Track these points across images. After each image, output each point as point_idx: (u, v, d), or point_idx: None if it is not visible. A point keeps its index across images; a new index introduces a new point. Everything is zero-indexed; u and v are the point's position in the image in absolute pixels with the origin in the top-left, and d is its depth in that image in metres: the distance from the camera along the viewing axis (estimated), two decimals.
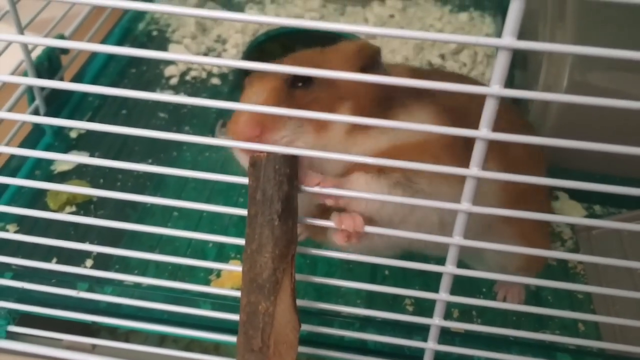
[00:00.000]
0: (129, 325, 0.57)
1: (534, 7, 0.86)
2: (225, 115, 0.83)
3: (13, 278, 0.57)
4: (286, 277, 0.44)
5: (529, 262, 0.56)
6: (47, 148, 0.78)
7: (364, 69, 0.48)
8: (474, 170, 0.39)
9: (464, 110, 0.46)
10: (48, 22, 0.82)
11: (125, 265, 0.64)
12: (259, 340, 0.43)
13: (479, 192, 0.41)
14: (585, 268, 0.66)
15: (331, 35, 0.45)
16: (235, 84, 0.90)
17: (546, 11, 0.80)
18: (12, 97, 0.75)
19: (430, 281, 0.63)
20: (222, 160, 0.78)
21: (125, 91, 0.41)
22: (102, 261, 0.64)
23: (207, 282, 0.63)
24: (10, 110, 0.74)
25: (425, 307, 0.61)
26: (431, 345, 0.50)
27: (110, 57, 0.94)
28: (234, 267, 0.55)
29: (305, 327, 0.50)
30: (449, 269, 0.45)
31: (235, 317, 0.52)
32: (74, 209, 0.70)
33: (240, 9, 1.09)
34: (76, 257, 0.64)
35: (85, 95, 0.86)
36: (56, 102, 0.82)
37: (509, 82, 0.87)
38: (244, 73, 0.53)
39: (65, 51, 0.83)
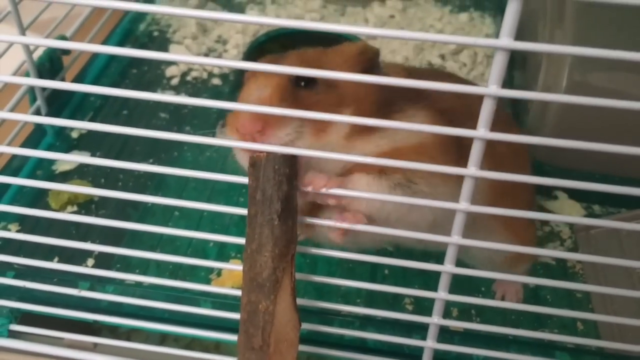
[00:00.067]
0: (130, 324, 0.57)
1: (533, 8, 0.87)
2: (226, 115, 0.83)
3: (15, 277, 0.58)
4: (286, 276, 0.44)
5: (517, 255, 0.57)
6: (49, 148, 0.78)
7: (364, 71, 0.48)
8: (472, 169, 0.39)
9: (457, 111, 0.47)
10: (49, 23, 0.82)
11: (126, 264, 0.65)
12: (260, 339, 0.44)
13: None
14: (584, 267, 0.66)
15: (331, 36, 0.45)
16: (236, 84, 0.90)
17: (545, 12, 0.81)
18: (13, 97, 0.75)
19: (430, 280, 0.63)
20: (223, 160, 0.78)
21: (127, 92, 0.41)
22: (103, 260, 0.64)
23: (207, 281, 0.64)
24: (12, 110, 0.74)
25: (424, 307, 0.61)
26: (430, 343, 0.50)
27: (112, 58, 0.94)
28: (235, 267, 0.55)
29: (306, 326, 0.50)
30: (448, 267, 0.45)
31: (235, 315, 0.52)
32: (75, 208, 0.71)
33: (240, 9, 1.09)
34: (78, 257, 0.64)
35: (86, 95, 0.87)
36: (57, 103, 0.82)
37: (509, 83, 0.88)
38: (245, 73, 0.54)
39: (66, 52, 0.84)
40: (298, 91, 0.46)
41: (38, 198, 0.72)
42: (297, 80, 0.46)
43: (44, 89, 0.79)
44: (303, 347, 0.52)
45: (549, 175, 0.40)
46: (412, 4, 1.10)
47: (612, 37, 0.71)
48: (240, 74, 0.88)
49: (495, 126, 0.38)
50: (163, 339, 0.71)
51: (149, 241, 0.67)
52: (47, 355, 0.58)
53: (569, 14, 0.74)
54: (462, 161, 0.40)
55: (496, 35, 1.00)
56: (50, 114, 0.80)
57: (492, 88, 0.36)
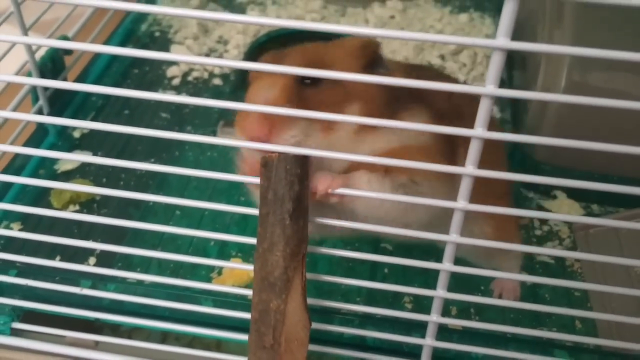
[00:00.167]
0: (131, 322, 0.57)
1: (532, 8, 0.87)
2: (227, 115, 0.83)
3: (17, 275, 0.58)
4: (297, 276, 0.44)
5: (499, 234, 0.57)
6: (51, 148, 0.79)
7: (367, 65, 0.48)
8: (470, 168, 0.40)
9: (450, 112, 0.48)
10: (52, 23, 0.83)
11: (128, 263, 0.65)
12: (271, 338, 0.44)
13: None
14: (582, 266, 0.67)
15: (332, 36, 0.46)
16: (236, 84, 0.90)
17: (544, 12, 0.81)
18: (16, 97, 0.76)
19: (430, 279, 0.63)
20: (224, 159, 0.78)
21: (128, 91, 0.42)
22: (105, 259, 0.65)
23: (208, 280, 0.64)
24: (14, 110, 0.75)
25: (424, 305, 0.61)
26: (429, 341, 0.50)
27: (113, 58, 0.95)
28: (236, 265, 0.56)
29: None
30: (446, 266, 0.45)
31: (236, 314, 0.53)
32: (77, 207, 0.71)
33: (241, 10, 1.10)
34: (79, 255, 0.65)
35: (88, 95, 0.87)
36: (60, 102, 0.82)
37: (509, 82, 0.88)
38: (246, 74, 0.54)
39: (68, 52, 0.84)
40: (303, 90, 0.46)
41: (40, 197, 0.72)
42: (303, 77, 0.46)
43: (46, 89, 0.79)
44: None
45: (548, 175, 0.40)
46: (412, 5, 1.10)
47: (611, 37, 0.71)
48: (241, 74, 0.88)
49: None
50: (164, 337, 0.71)
51: (150, 240, 0.67)
52: (49, 352, 0.58)
53: (567, 14, 0.74)
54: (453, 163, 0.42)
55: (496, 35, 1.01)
56: (52, 113, 0.80)
57: (489, 88, 0.36)
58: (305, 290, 0.45)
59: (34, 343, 0.58)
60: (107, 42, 0.96)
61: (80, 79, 0.89)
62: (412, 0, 1.11)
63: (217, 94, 0.90)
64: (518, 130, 0.79)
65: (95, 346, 0.59)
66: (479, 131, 0.38)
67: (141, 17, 1.05)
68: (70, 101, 0.85)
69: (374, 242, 0.69)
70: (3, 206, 0.57)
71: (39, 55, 0.78)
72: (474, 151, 0.39)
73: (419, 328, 0.52)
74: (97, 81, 0.90)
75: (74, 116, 0.84)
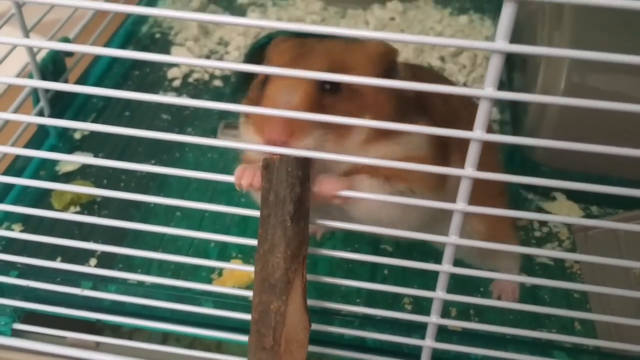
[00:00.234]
0: (132, 323, 0.58)
1: (532, 10, 0.87)
2: (227, 117, 0.84)
3: (18, 276, 0.58)
4: (297, 278, 0.45)
5: (493, 233, 0.57)
6: (52, 149, 0.79)
7: (384, 73, 0.49)
8: (469, 170, 0.40)
9: (448, 116, 0.49)
10: (53, 24, 0.83)
11: (128, 264, 0.65)
12: (271, 339, 0.45)
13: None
14: (582, 268, 0.67)
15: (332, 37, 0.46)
16: (237, 86, 0.90)
17: (544, 13, 0.81)
18: (17, 98, 0.76)
19: (430, 280, 0.63)
20: (224, 161, 0.79)
21: (129, 93, 0.42)
22: (106, 260, 0.65)
23: (209, 281, 0.64)
24: (15, 111, 0.75)
25: (423, 307, 0.62)
26: (428, 342, 0.51)
27: (114, 60, 0.95)
28: (236, 266, 0.56)
29: None
30: (445, 267, 0.46)
31: (237, 315, 0.53)
32: (78, 209, 0.71)
33: (242, 11, 1.10)
34: (80, 256, 0.65)
35: (89, 97, 0.87)
36: (60, 104, 0.83)
37: (509, 84, 0.89)
38: (246, 75, 0.54)
39: (69, 54, 0.84)
40: (323, 96, 0.46)
41: (41, 198, 0.72)
42: (323, 82, 0.46)
43: (47, 91, 0.79)
44: None
45: (547, 177, 0.40)
46: (412, 7, 1.11)
47: (610, 38, 0.72)
48: (241, 76, 0.88)
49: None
50: (165, 338, 0.71)
51: (151, 241, 0.68)
52: (50, 354, 0.58)
53: (567, 16, 0.75)
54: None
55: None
56: (53, 115, 0.80)
57: (488, 90, 0.36)
58: (305, 291, 0.45)
59: (35, 344, 0.59)
60: (108, 44, 0.97)
61: (81, 80, 0.89)
62: (412, 2, 1.11)
63: (217, 95, 0.91)
64: (518, 132, 0.79)
65: (96, 347, 0.59)
66: (478, 133, 0.38)
67: (142, 18, 1.06)
68: (71, 103, 0.85)
69: (373, 244, 0.69)
70: (4, 207, 0.57)
71: (40, 56, 0.78)
72: (473, 153, 0.39)
73: (419, 329, 0.52)
74: (98, 83, 0.91)
75: (74, 118, 0.84)
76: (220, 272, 0.65)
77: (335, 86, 0.46)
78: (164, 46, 1.00)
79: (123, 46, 0.99)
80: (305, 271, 0.45)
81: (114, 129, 0.44)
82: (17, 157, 0.75)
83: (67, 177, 0.75)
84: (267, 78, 0.47)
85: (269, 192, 0.43)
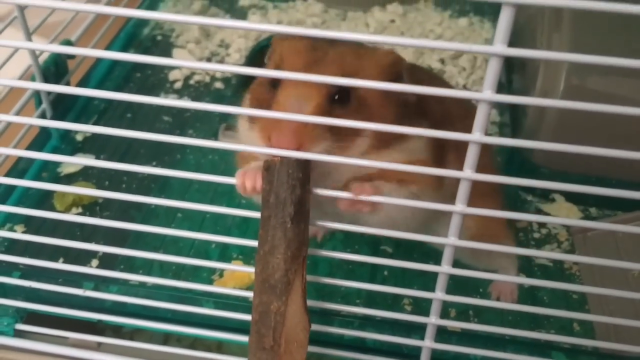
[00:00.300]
0: (133, 323, 0.58)
1: (531, 12, 0.88)
2: (228, 119, 0.84)
3: (21, 277, 0.59)
4: (297, 278, 0.45)
5: (483, 230, 0.58)
6: (54, 151, 0.80)
7: (391, 81, 0.49)
8: (468, 172, 0.40)
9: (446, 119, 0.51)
10: (55, 26, 0.83)
11: (130, 265, 0.66)
12: (271, 339, 0.45)
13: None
14: (580, 269, 0.67)
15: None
16: (238, 88, 0.91)
17: (543, 15, 0.81)
18: (19, 100, 0.77)
19: (429, 281, 0.64)
20: (225, 162, 0.79)
21: (131, 96, 0.42)
22: (107, 261, 0.65)
23: (210, 282, 0.64)
24: (17, 113, 0.75)
25: (423, 307, 0.62)
26: (428, 343, 0.51)
27: (116, 62, 0.95)
28: (237, 267, 0.57)
29: None
30: (445, 268, 0.46)
31: (237, 315, 0.53)
32: (80, 210, 0.72)
33: (243, 14, 1.10)
34: (82, 257, 0.65)
35: (91, 98, 0.88)
36: (62, 106, 0.83)
37: (508, 86, 0.89)
38: (247, 77, 0.54)
39: (71, 56, 0.85)
40: (333, 108, 0.46)
41: (43, 200, 0.73)
42: (335, 93, 0.46)
43: (49, 93, 0.80)
44: None
45: (546, 178, 0.41)
46: (412, 9, 1.11)
47: (609, 41, 0.72)
48: (242, 78, 0.89)
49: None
50: (166, 338, 0.72)
51: (152, 242, 0.68)
52: (52, 354, 0.59)
53: (566, 18, 0.75)
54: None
55: None
56: (55, 117, 0.81)
57: (486, 93, 0.37)
58: (305, 292, 0.45)
59: (37, 344, 0.59)
60: (109, 46, 0.97)
61: (82, 82, 0.90)
62: (412, 5, 1.12)
63: (218, 97, 0.91)
64: (517, 134, 0.79)
65: (98, 347, 0.59)
66: (477, 136, 0.39)
67: (143, 21, 1.06)
68: (73, 104, 0.86)
69: (373, 245, 0.70)
70: (7, 209, 0.57)
71: (42, 58, 0.78)
72: (471, 155, 0.40)
73: (418, 330, 0.52)
74: (99, 84, 0.91)
75: (76, 119, 0.85)
76: (221, 273, 0.66)
77: (345, 98, 0.47)
78: (166, 48, 1.01)
79: (124, 48, 1.00)
80: (305, 272, 0.45)
81: (115, 131, 0.44)
82: (20, 159, 0.76)
83: (69, 179, 0.75)
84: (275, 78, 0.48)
85: (269, 193, 0.44)
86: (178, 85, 0.93)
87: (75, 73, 0.87)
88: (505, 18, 0.34)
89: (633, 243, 0.64)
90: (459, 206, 0.42)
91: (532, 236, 0.71)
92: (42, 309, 0.59)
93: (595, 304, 0.62)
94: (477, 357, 0.55)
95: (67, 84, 0.85)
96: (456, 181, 0.51)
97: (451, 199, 0.43)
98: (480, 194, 0.42)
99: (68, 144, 0.81)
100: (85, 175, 0.76)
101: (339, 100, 0.46)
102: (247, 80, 0.53)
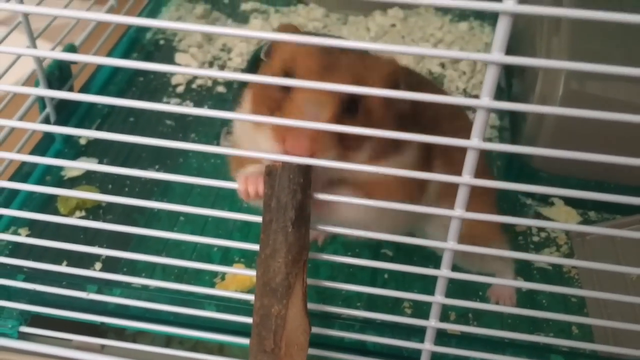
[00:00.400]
0: (136, 326, 0.59)
1: (531, 17, 0.88)
2: (230, 123, 0.84)
3: (25, 280, 0.59)
4: (298, 282, 0.46)
5: (472, 230, 0.57)
6: (57, 154, 0.80)
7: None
8: (467, 177, 0.41)
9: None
10: (60, 29, 0.84)
11: (133, 268, 0.66)
12: (271, 342, 0.46)
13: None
14: (579, 272, 0.67)
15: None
16: (240, 92, 0.91)
17: (542, 20, 0.82)
18: (23, 105, 0.77)
19: (429, 285, 0.64)
20: (227, 166, 0.79)
21: (133, 102, 0.43)
22: (110, 264, 0.66)
23: (212, 285, 0.65)
24: (22, 117, 0.76)
25: (423, 310, 0.63)
26: (427, 346, 0.51)
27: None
28: (238, 271, 0.57)
29: None
30: (444, 272, 0.47)
31: (239, 318, 0.54)
32: (83, 213, 0.73)
33: (245, 18, 1.11)
34: (86, 260, 0.66)
35: (94, 103, 0.89)
36: (66, 110, 0.84)
37: (507, 90, 0.90)
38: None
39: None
40: (344, 118, 0.46)
41: (47, 203, 0.73)
42: (347, 104, 0.46)
43: (53, 97, 0.81)
44: None
45: (545, 182, 0.41)
46: (413, 13, 1.12)
47: (608, 44, 0.72)
48: (244, 82, 0.89)
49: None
50: (168, 341, 0.72)
51: (155, 245, 0.69)
52: (56, 356, 0.59)
53: (565, 22, 0.76)
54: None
55: None
56: (59, 121, 0.82)
57: (484, 100, 0.37)
58: (305, 296, 0.46)
59: (41, 346, 0.60)
60: (112, 50, 0.98)
61: (86, 86, 0.90)
62: (413, 9, 1.12)
63: (220, 101, 0.92)
64: (517, 138, 0.80)
65: (101, 350, 0.60)
66: (475, 142, 0.39)
67: None
68: (77, 108, 0.86)
69: (374, 248, 0.70)
70: (11, 212, 0.58)
71: (46, 62, 0.79)
72: (470, 161, 0.40)
73: (418, 333, 0.53)
74: (103, 89, 0.92)
75: (80, 123, 0.85)
76: (223, 276, 0.66)
77: (353, 108, 0.47)
78: (168, 52, 1.01)
79: (127, 53, 1.00)
80: (305, 276, 0.46)
81: (118, 136, 0.45)
82: (24, 163, 0.76)
83: (73, 182, 0.76)
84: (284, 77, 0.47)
85: (271, 198, 0.44)
86: (180, 89, 0.93)
87: (78, 77, 0.88)
88: (503, 27, 0.35)
89: (632, 246, 0.65)
90: (458, 211, 0.43)
91: (531, 239, 0.72)
92: (45, 312, 0.59)
93: (594, 307, 0.63)
94: None
95: (71, 87, 0.86)
96: (440, 186, 0.54)
97: (434, 203, 0.43)
98: (472, 194, 0.43)
99: (72, 147, 0.82)
100: (89, 178, 0.77)
101: (348, 110, 0.46)
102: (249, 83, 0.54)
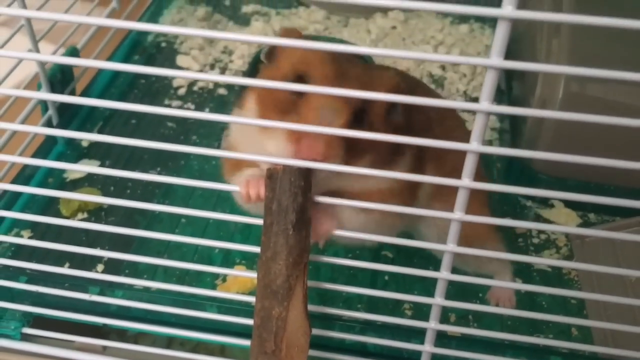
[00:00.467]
0: (138, 327, 0.59)
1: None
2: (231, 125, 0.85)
3: (27, 282, 0.60)
4: (299, 284, 0.46)
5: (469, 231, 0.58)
6: (60, 156, 0.81)
7: (390, 106, 0.50)
8: (466, 181, 0.41)
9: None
10: (63, 30, 0.84)
11: (134, 269, 0.67)
12: (272, 344, 0.46)
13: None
14: (579, 274, 0.68)
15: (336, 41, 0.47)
16: (240, 94, 0.92)
17: (542, 22, 0.82)
18: (26, 107, 0.78)
19: (430, 286, 0.64)
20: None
21: (135, 106, 0.43)
22: (112, 266, 0.66)
23: (213, 287, 0.65)
24: (24, 120, 0.77)
25: (423, 312, 0.63)
26: (427, 348, 0.52)
27: None
28: (240, 272, 0.58)
29: None
30: (444, 274, 0.47)
31: (240, 320, 0.54)
32: (85, 215, 0.73)
33: (246, 20, 1.12)
34: (88, 262, 0.66)
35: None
36: (68, 112, 0.84)
37: (508, 93, 0.90)
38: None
39: None
40: (352, 128, 0.46)
41: (49, 205, 0.74)
42: (356, 115, 0.47)
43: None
44: None
45: (545, 184, 0.42)
46: (413, 15, 1.12)
47: (608, 46, 0.73)
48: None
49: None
50: (170, 342, 0.72)
51: (156, 247, 0.69)
52: (58, 357, 0.60)
53: (565, 24, 0.76)
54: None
55: None
56: (61, 123, 0.82)
57: (484, 104, 0.38)
58: (306, 298, 0.46)
59: (44, 348, 0.60)
60: (114, 53, 0.98)
61: (88, 88, 0.91)
62: (414, 11, 1.13)
63: (222, 103, 0.92)
64: (517, 140, 0.80)
65: (103, 351, 0.60)
66: (475, 145, 0.39)
67: None
68: (79, 111, 0.87)
69: (374, 250, 0.71)
70: (14, 215, 0.59)
71: (49, 64, 0.79)
72: (469, 164, 0.41)
73: (419, 334, 0.53)
74: (104, 91, 0.92)
75: (82, 125, 0.86)
76: (224, 277, 0.66)
77: (360, 121, 0.47)
78: (170, 55, 1.02)
79: (129, 55, 1.01)
80: (306, 278, 0.46)
81: (120, 140, 0.45)
82: (27, 165, 0.77)
83: (75, 184, 0.77)
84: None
85: (272, 201, 0.45)
86: (182, 91, 0.94)
87: (81, 80, 0.88)
88: (502, 32, 0.35)
89: (631, 248, 0.65)
90: (458, 214, 0.43)
91: (531, 241, 0.72)
92: (48, 313, 0.60)
93: (594, 309, 0.63)
94: None
95: (73, 90, 0.86)
96: (432, 188, 0.56)
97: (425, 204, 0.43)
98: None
99: (74, 149, 0.82)
100: (91, 180, 0.77)
101: (356, 121, 0.47)
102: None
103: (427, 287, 0.66)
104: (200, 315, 0.56)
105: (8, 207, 0.72)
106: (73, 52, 0.84)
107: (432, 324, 0.50)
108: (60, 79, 0.81)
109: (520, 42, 0.88)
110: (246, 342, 0.51)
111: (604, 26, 0.35)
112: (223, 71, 0.99)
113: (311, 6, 1.14)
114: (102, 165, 0.79)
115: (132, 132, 0.85)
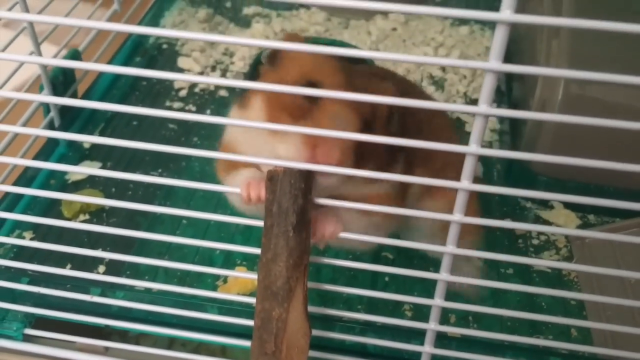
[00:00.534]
0: (139, 328, 0.59)
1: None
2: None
3: (29, 283, 0.60)
4: (299, 286, 0.46)
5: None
6: (61, 158, 0.81)
7: (388, 117, 0.51)
8: (465, 183, 0.42)
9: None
10: (65, 32, 0.85)
11: (136, 271, 0.67)
12: (272, 345, 0.46)
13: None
14: (578, 275, 0.68)
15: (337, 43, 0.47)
16: (242, 94, 0.92)
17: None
18: (28, 109, 0.78)
19: (430, 287, 0.65)
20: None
21: (137, 109, 0.44)
22: (114, 267, 0.67)
23: (214, 288, 0.66)
24: (26, 121, 0.77)
25: (423, 313, 0.63)
26: (427, 349, 0.52)
27: None
28: (240, 274, 0.58)
29: None
30: (443, 276, 0.47)
31: (241, 321, 0.55)
32: (87, 217, 0.73)
33: (247, 22, 1.12)
34: (89, 263, 0.66)
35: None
36: (70, 113, 0.85)
37: (508, 94, 0.90)
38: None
39: None
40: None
41: (51, 206, 0.74)
42: (366, 122, 0.48)
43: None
44: None
45: (545, 186, 0.42)
46: (414, 17, 1.12)
47: (608, 47, 0.73)
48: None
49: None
50: (171, 343, 0.73)
51: (157, 248, 0.69)
52: (60, 358, 0.60)
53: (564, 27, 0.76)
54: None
55: None
56: (63, 125, 0.82)
57: (482, 107, 0.38)
58: (306, 299, 0.47)
59: (45, 349, 0.60)
60: (116, 55, 0.99)
61: (90, 90, 0.91)
62: (414, 13, 1.13)
63: (223, 105, 0.92)
64: (517, 141, 0.80)
65: (105, 352, 0.60)
66: (473, 148, 0.40)
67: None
68: (81, 112, 0.87)
69: (375, 251, 0.71)
70: (15, 216, 0.59)
71: (50, 66, 0.80)
72: (468, 167, 0.41)
73: (418, 335, 0.53)
74: (106, 93, 0.93)
75: (84, 127, 0.86)
76: (225, 279, 0.67)
77: (368, 128, 0.48)
78: (171, 57, 1.02)
79: (130, 57, 1.01)
80: (306, 280, 0.47)
81: (121, 142, 0.45)
82: (28, 167, 0.77)
83: (77, 186, 0.77)
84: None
85: (272, 203, 0.45)
86: (183, 93, 0.94)
87: (82, 81, 0.89)
88: (500, 35, 0.35)
89: (631, 249, 0.65)
90: (457, 215, 0.43)
91: (531, 242, 0.72)
92: (50, 314, 0.60)
93: (593, 310, 0.63)
94: None
95: (75, 91, 0.87)
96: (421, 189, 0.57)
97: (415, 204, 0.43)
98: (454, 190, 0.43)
99: (75, 151, 0.82)
100: (93, 182, 0.77)
101: (364, 131, 0.46)
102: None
103: (427, 287, 0.66)
104: (201, 316, 0.56)
105: (10, 209, 0.72)
106: (74, 55, 0.84)
107: (432, 325, 0.50)
108: (62, 80, 0.82)
109: (521, 42, 0.88)
110: (247, 343, 0.52)
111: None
112: (224, 73, 0.99)
113: (312, 8, 1.15)
114: (103, 166, 0.79)
115: (134, 133, 0.85)
